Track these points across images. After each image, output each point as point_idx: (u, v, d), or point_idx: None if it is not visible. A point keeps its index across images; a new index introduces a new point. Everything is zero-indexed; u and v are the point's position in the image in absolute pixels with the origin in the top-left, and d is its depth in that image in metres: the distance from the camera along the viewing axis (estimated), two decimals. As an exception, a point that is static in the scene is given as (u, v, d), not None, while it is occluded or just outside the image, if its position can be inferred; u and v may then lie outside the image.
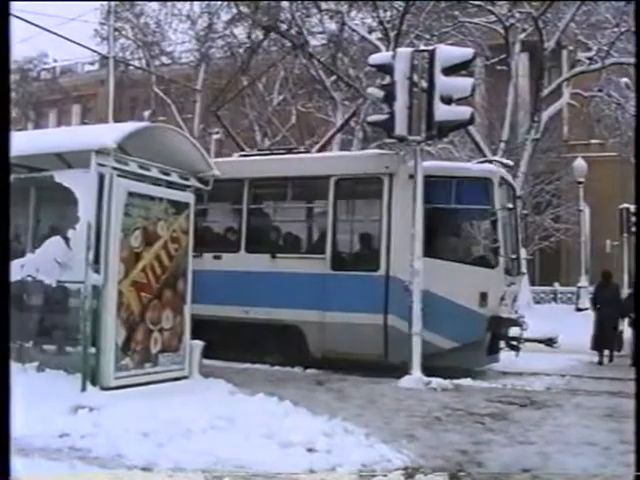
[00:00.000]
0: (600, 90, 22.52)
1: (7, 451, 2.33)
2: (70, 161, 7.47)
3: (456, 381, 8.98)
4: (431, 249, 9.61)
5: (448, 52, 9.62)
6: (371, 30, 21.71)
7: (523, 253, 13.25)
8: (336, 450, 5.28)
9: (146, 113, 27.94)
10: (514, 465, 5.18)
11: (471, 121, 10.02)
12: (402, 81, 9.34)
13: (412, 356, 9.06)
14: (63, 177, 6.99)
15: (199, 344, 8.06)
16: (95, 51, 25.91)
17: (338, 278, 10.16)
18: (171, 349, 7.60)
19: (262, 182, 11.15)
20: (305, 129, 26.61)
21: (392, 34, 19.45)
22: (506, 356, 10.68)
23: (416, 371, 9.00)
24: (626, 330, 12.50)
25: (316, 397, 7.77)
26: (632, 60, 17.67)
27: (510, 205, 10.39)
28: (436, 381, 8.75)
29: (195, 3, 26.23)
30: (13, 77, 30.65)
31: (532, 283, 23.55)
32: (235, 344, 10.45)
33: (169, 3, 26.62)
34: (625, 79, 20.98)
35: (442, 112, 9.16)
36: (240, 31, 24.83)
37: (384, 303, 9.87)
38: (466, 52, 10.06)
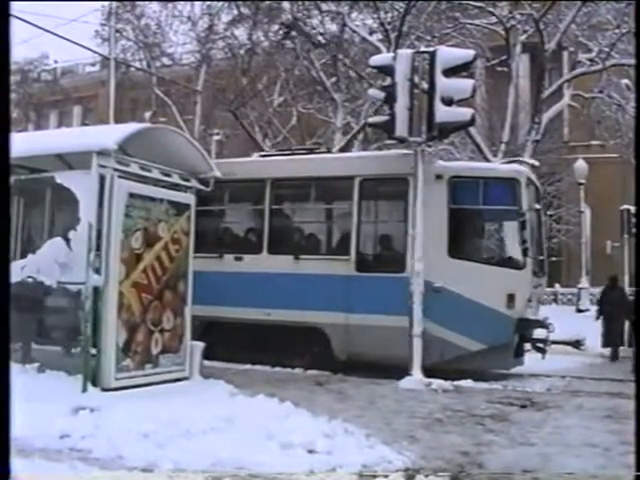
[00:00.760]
0: (601, 91, 22.46)
1: (7, 452, 2.33)
2: (71, 162, 7.48)
3: (457, 382, 8.98)
4: (458, 250, 9.59)
5: (449, 53, 9.66)
6: (372, 31, 21.68)
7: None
8: (336, 451, 5.28)
9: (147, 114, 27.89)
10: (515, 466, 5.18)
11: (472, 122, 10.02)
12: (403, 82, 9.36)
13: (412, 357, 9.05)
14: (64, 178, 7.01)
15: (200, 345, 8.06)
16: (96, 52, 25.90)
17: (363, 280, 10.01)
18: (172, 350, 7.61)
19: (284, 182, 11.02)
20: (306, 130, 26.61)
21: (393, 35, 19.38)
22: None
23: (416, 372, 8.99)
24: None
25: (316, 398, 7.77)
26: (633, 61, 17.62)
27: (537, 206, 10.32)
28: (437, 382, 8.75)
29: (196, 4, 26.27)
30: (14, 78, 30.65)
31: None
32: (257, 347, 10.31)
33: (170, 4, 26.62)
34: (626, 80, 20.92)
35: (443, 113, 9.17)
36: (241, 32, 24.84)
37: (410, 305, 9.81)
38: (467, 53, 10.09)
